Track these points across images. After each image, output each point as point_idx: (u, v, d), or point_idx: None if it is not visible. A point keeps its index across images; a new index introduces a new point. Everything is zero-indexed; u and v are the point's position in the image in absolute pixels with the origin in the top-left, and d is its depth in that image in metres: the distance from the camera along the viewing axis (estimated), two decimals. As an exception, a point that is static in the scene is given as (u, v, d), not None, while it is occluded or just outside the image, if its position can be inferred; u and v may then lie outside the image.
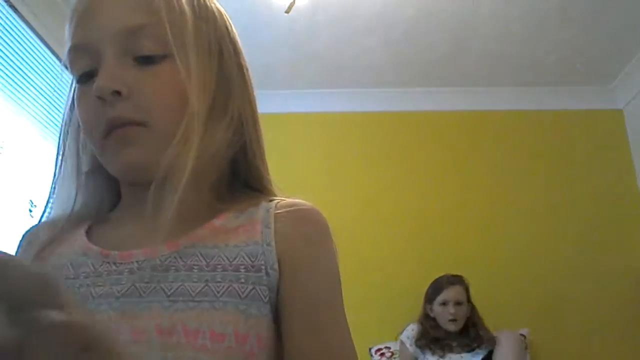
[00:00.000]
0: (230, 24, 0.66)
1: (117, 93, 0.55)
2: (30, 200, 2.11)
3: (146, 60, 0.57)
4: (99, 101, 0.55)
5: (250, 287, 0.53)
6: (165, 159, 0.55)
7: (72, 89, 0.63)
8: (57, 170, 0.64)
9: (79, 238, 0.60)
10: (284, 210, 0.59)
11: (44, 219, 0.64)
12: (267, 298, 0.53)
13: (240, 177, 0.65)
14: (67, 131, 0.64)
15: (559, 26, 2.76)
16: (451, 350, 2.44)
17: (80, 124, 0.60)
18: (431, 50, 2.96)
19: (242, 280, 0.53)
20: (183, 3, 0.59)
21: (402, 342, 2.56)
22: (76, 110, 0.60)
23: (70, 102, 0.64)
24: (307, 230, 0.59)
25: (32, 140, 2.28)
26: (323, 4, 2.61)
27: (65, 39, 0.60)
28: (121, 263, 0.55)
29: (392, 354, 2.70)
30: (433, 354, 2.44)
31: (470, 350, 2.42)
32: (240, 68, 0.65)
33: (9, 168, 2.12)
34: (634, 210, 3.08)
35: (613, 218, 3.07)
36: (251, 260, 0.55)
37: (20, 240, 0.65)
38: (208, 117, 0.59)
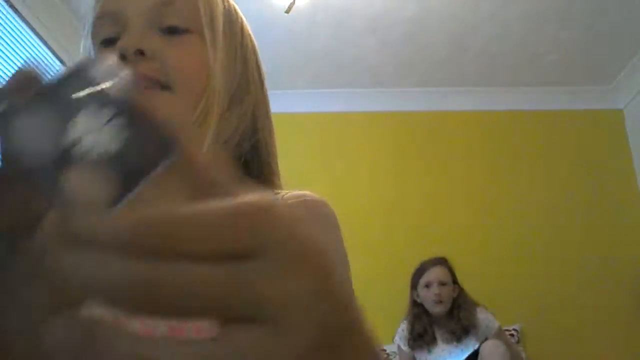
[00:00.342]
0: (250, 31, 0.68)
1: (141, 53, 0.54)
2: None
3: (171, 31, 0.57)
4: (120, 61, 0.54)
5: None
6: None
7: None
8: None
9: None
10: (291, 201, 0.59)
11: None
12: None
13: (252, 174, 0.65)
14: None
15: (559, 26, 2.76)
16: (435, 343, 2.40)
17: None
18: (431, 51, 2.96)
19: None
20: None
21: (398, 346, 2.54)
22: None
23: None
24: (315, 221, 0.58)
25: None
26: (323, 4, 2.61)
27: (87, 12, 0.61)
28: None
29: (388, 355, 2.69)
30: (422, 350, 2.41)
31: (457, 339, 2.36)
32: (259, 67, 0.66)
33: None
34: (634, 210, 3.08)
35: (613, 218, 3.07)
36: None
37: None
38: (228, 103, 0.59)
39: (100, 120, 0.23)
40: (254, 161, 0.64)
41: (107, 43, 0.57)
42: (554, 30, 2.79)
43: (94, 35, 0.59)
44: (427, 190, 3.17)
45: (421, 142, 3.28)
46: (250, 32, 0.67)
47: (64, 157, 0.22)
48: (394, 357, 2.63)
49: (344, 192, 3.11)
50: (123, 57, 0.54)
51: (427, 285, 2.42)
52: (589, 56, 2.99)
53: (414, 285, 2.51)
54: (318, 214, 0.60)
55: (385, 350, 2.69)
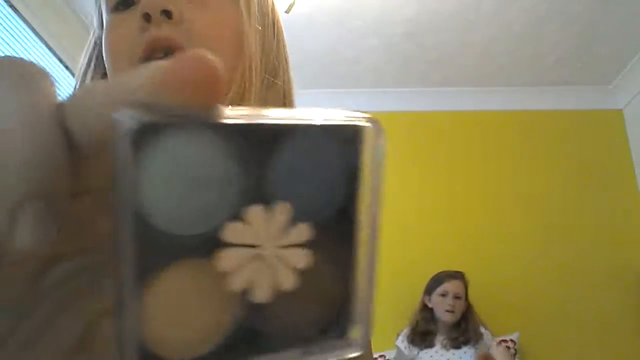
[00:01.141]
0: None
1: (167, 14, 0.47)
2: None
3: None
4: (142, 22, 0.47)
5: None
6: None
7: (93, 38, 0.57)
8: None
9: None
10: None
11: None
12: None
13: None
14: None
15: (559, 26, 2.76)
16: (433, 344, 2.49)
17: (108, 58, 0.51)
18: (431, 50, 2.96)
19: None
20: None
21: (397, 348, 2.59)
22: (104, 44, 0.52)
23: (87, 54, 0.57)
24: None
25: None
26: (323, 4, 2.61)
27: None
28: None
29: None
30: (422, 348, 2.49)
31: (457, 346, 2.45)
32: (286, 49, 0.60)
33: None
34: (634, 210, 3.08)
35: (613, 219, 3.06)
36: None
37: None
38: (263, 82, 0.52)
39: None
40: None
41: (124, 5, 0.50)
42: (554, 30, 2.79)
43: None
44: (426, 191, 3.17)
45: (421, 142, 3.27)
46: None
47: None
48: None
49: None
50: (147, 17, 0.47)
51: (443, 295, 2.56)
52: (589, 56, 2.99)
53: (428, 291, 2.63)
54: None
55: (384, 356, 2.69)
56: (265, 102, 0.52)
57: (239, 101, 0.48)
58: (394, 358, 2.60)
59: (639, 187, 3.13)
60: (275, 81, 0.55)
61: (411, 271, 2.93)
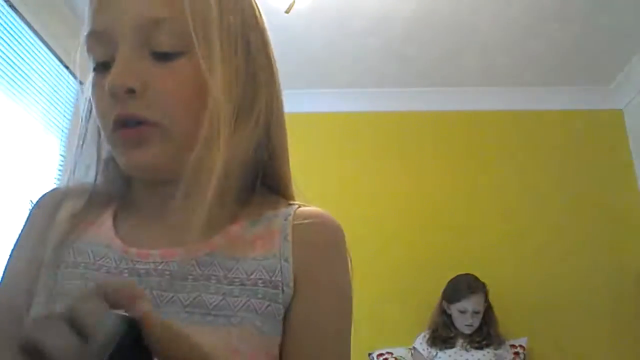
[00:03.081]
0: (259, 12, 0.63)
1: (131, 91, 0.51)
2: (31, 201, 2.11)
3: (163, 57, 0.53)
4: (110, 99, 0.52)
5: (267, 303, 0.53)
6: (189, 163, 0.52)
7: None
8: (77, 154, 0.62)
9: (106, 224, 0.58)
10: (303, 221, 0.58)
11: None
12: (281, 316, 0.53)
13: (264, 179, 0.62)
14: (89, 115, 0.61)
15: (559, 26, 2.76)
16: (454, 346, 2.52)
17: (95, 111, 0.57)
18: (431, 50, 2.95)
19: (260, 296, 0.53)
20: None
21: (415, 349, 2.60)
22: (91, 97, 0.57)
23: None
24: (326, 249, 0.58)
25: (32, 140, 2.28)
26: (323, 4, 2.60)
27: (82, 24, 0.57)
28: (138, 261, 0.54)
29: (396, 359, 2.70)
30: (441, 349, 2.52)
31: (479, 347, 2.49)
32: (269, 59, 0.62)
33: (8, 169, 2.12)
34: (634, 210, 3.08)
35: (613, 219, 3.06)
36: (269, 275, 0.54)
37: (39, 201, 0.65)
38: (235, 118, 0.55)
39: None
40: (267, 167, 0.62)
41: (102, 67, 0.55)
42: (554, 30, 2.79)
43: (89, 52, 0.56)
44: (426, 191, 3.17)
45: (421, 142, 3.27)
46: (258, 14, 0.62)
47: None
48: None
49: (344, 193, 3.10)
50: (114, 96, 0.52)
51: (462, 311, 2.54)
52: (589, 56, 2.99)
53: (447, 299, 2.61)
54: (329, 241, 0.59)
55: (392, 354, 2.70)
56: (240, 140, 0.55)
57: (208, 149, 0.52)
58: (412, 358, 2.62)
59: (639, 187, 3.13)
60: (254, 103, 0.58)
61: (416, 269, 2.94)
